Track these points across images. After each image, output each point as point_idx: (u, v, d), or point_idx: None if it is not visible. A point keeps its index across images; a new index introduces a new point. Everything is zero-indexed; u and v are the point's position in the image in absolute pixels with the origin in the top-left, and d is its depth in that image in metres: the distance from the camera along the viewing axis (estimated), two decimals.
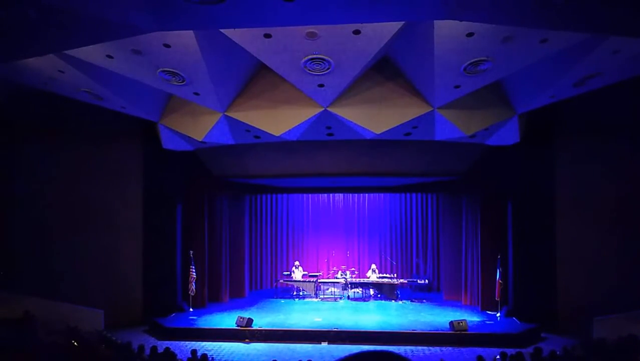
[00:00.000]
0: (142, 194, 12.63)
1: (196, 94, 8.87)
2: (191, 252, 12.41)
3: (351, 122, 9.36)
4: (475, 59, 7.37)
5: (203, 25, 6.59)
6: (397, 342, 10.22)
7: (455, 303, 13.36)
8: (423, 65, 7.84)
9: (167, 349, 7.33)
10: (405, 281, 14.08)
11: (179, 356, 7.39)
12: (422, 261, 15.47)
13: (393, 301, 13.51)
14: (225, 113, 9.48)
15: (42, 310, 9.84)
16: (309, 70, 7.74)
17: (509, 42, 6.85)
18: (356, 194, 15.91)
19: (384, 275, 14.43)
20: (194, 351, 7.49)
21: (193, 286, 12.28)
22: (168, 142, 11.35)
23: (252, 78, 9.10)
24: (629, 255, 11.09)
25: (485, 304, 12.27)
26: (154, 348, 7.31)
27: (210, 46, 7.27)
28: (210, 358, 7.68)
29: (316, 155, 11.27)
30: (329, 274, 15.01)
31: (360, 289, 14.22)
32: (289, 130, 9.63)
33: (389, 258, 15.38)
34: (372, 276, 14.01)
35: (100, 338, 8.60)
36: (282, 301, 13.75)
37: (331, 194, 16.04)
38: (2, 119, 11.56)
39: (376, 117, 9.33)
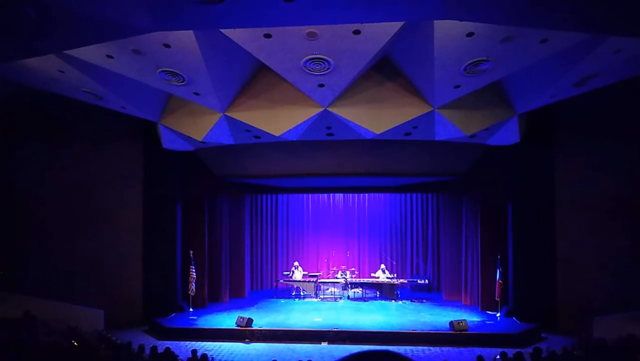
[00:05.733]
0: (142, 194, 12.62)
1: (196, 94, 8.88)
2: (191, 252, 12.40)
3: (351, 122, 9.37)
4: (475, 59, 7.37)
5: (203, 25, 6.59)
6: (397, 342, 10.21)
7: (455, 303, 13.35)
8: (423, 65, 7.85)
9: (167, 349, 7.34)
10: (405, 281, 14.07)
11: (179, 357, 7.39)
12: (422, 261, 15.46)
13: (393, 301, 13.51)
14: (225, 113, 9.48)
15: (42, 310, 9.84)
16: (309, 70, 7.74)
17: (509, 42, 6.85)
18: (356, 194, 15.89)
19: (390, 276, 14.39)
20: (194, 351, 7.49)
21: (193, 286, 12.27)
22: (168, 142, 11.35)
23: (252, 78, 9.10)
24: (629, 255, 11.09)
25: (485, 304, 12.27)
26: (154, 348, 7.31)
27: (210, 46, 7.27)
28: (210, 358, 7.67)
29: (316, 155, 11.27)
30: (329, 274, 15.00)
31: (360, 289, 14.21)
32: (289, 130, 9.63)
33: (389, 258, 15.37)
34: (382, 277, 13.95)
35: (100, 338, 8.61)
36: (282, 301, 13.75)
37: (331, 194, 16.03)
38: (2, 119, 11.57)
39: (376, 117, 9.33)
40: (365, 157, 11.21)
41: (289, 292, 14.25)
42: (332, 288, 14.60)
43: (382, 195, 15.68)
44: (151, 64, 7.78)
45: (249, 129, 9.86)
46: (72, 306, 10.85)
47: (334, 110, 9.13)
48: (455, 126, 9.51)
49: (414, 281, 14.13)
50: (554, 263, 11.70)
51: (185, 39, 6.92)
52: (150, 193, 12.56)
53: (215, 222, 13.69)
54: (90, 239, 12.25)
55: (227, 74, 8.44)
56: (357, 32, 6.65)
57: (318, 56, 7.34)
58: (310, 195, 15.92)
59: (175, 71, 7.98)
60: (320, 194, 15.96)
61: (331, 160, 11.38)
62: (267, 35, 6.81)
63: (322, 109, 9.14)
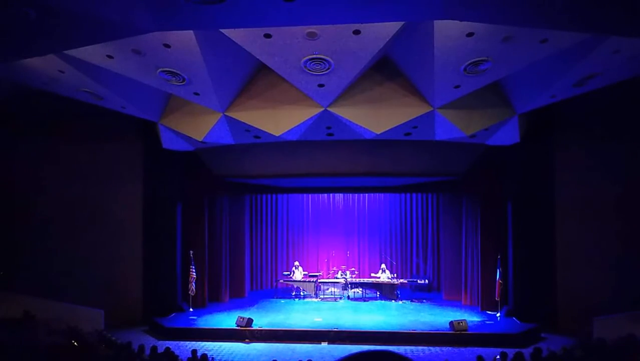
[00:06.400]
0: (142, 194, 12.62)
1: (196, 94, 8.87)
2: (191, 252, 12.40)
3: (351, 122, 9.36)
4: (475, 59, 7.37)
5: (203, 25, 6.59)
6: (397, 342, 10.22)
7: (455, 303, 13.35)
8: (423, 65, 7.84)
9: (167, 349, 7.33)
10: (405, 281, 14.08)
11: (179, 357, 7.38)
12: (422, 261, 15.47)
13: (393, 301, 13.51)
14: (225, 113, 9.48)
15: (42, 310, 9.84)
16: (309, 70, 7.74)
17: (509, 42, 6.85)
18: (356, 194, 15.90)
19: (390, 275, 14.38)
20: (194, 351, 7.49)
21: (193, 286, 12.28)
22: (168, 142, 11.35)
23: (252, 78, 9.10)
24: (629, 255, 11.09)
25: (485, 304, 12.27)
26: (154, 348, 7.31)
27: (210, 46, 7.27)
28: (210, 358, 7.67)
29: (316, 155, 11.26)
30: (329, 274, 15.01)
31: (360, 289, 14.22)
32: (289, 130, 9.63)
33: (388, 258, 15.38)
34: (383, 277, 13.95)
35: (100, 338, 8.59)
36: (282, 301, 13.75)
37: (331, 194, 16.04)
38: (2, 118, 11.56)
39: (376, 117, 9.33)
40: (365, 157, 11.20)
41: (289, 292, 14.25)
42: (332, 288, 14.60)
43: (382, 195, 15.69)
44: (151, 64, 7.78)
45: (249, 129, 9.86)
46: (72, 306, 10.85)
47: (334, 110, 9.13)
48: (455, 126, 9.51)
49: (414, 281, 14.14)
50: (554, 263, 11.71)
51: (185, 39, 6.92)
52: (150, 193, 12.56)
53: (215, 222, 13.68)
54: (90, 239, 12.25)
55: (227, 74, 8.44)
56: (357, 32, 6.64)
57: (318, 56, 7.34)
58: (310, 195, 15.92)
59: (175, 71, 7.97)
60: (320, 194, 15.97)
61: (331, 160, 11.37)
62: (267, 35, 6.81)
63: (322, 109, 9.14)
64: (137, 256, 12.57)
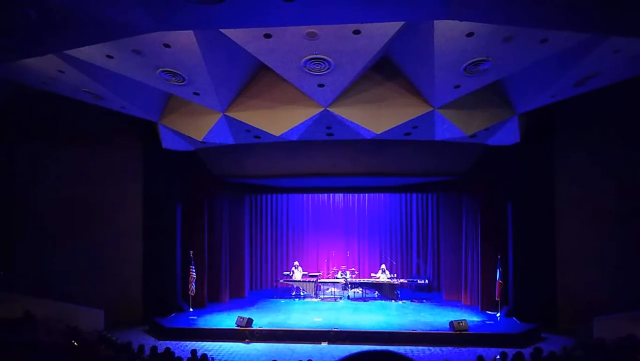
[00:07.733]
0: (142, 194, 12.62)
1: (196, 94, 8.87)
2: (191, 252, 12.40)
3: (351, 122, 9.37)
4: (475, 59, 7.37)
5: (203, 25, 6.59)
6: (397, 342, 10.21)
7: (455, 303, 13.35)
8: (423, 65, 7.84)
9: (167, 349, 7.33)
10: (405, 281, 14.08)
11: (179, 356, 7.39)
12: (422, 261, 15.47)
13: (393, 301, 13.51)
14: (225, 113, 9.48)
15: (42, 310, 9.84)
16: (309, 70, 7.74)
17: (509, 42, 6.85)
18: (356, 194, 15.90)
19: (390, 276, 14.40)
20: (194, 351, 7.49)
21: (193, 286, 12.28)
22: (168, 142, 11.35)
23: (252, 78, 9.09)
24: (629, 255, 11.09)
25: (485, 304, 12.26)
26: (154, 348, 7.31)
27: (210, 46, 7.26)
28: (210, 358, 7.67)
29: (316, 155, 11.27)
30: (329, 274, 15.01)
31: (360, 289, 14.22)
32: (289, 130, 9.63)
33: (388, 258, 15.38)
34: (383, 277, 13.96)
35: (100, 338, 8.60)
36: (282, 301, 13.75)
37: (331, 194, 16.04)
38: (2, 119, 11.57)
39: (376, 117, 9.33)
40: (365, 157, 11.21)
41: (289, 292, 14.25)
42: (332, 288, 14.59)
43: (382, 195, 15.69)
44: (151, 64, 7.78)
45: (249, 129, 9.86)
46: (72, 306, 10.85)
47: (334, 110, 9.13)
48: (455, 126, 9.51)
49: (414, 281, 14.15)
50: (553, 263, 11.70)
51: (185, 39, 6.92)
52: (150, 193, 12.55)
53: (215, 222, 13.69)
54: (90, 239, 12.25)
55: (227, 74, 8.44)
56: (357, 32, 6.64)
57: (318, 56, 7.34)
58: (310, 195, 15.93)
59: (175, 71, 7.97)
60: (320, 194, 15.98)
61: (331, 160, 11.37)
62: (267, 35, 6.81)
63: (322, 109, 9.13)
64: (137, 256, 12.57)
